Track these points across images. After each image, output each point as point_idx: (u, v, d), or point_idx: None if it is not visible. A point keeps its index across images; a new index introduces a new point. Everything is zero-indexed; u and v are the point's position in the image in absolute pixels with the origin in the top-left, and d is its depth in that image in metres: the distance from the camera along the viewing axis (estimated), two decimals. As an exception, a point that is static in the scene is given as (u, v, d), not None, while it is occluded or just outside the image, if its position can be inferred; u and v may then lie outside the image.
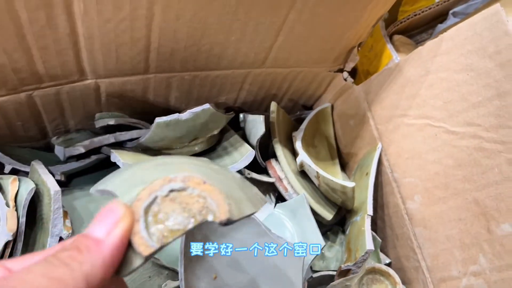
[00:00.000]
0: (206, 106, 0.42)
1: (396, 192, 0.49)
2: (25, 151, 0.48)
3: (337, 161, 0.58)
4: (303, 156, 0.49)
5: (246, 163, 0.47)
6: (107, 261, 0.20)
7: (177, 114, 0.42)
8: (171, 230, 0.22)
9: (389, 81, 0.49)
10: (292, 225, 0.47)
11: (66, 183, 0.46)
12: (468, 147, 0.42)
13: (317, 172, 0.47)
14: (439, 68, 0.44)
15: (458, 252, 0.43)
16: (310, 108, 0.61)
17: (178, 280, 0.42)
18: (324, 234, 0.54)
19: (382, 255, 0.52)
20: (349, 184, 0.45)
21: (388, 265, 0.51)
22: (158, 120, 0.41)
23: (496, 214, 0.40)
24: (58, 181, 0.44)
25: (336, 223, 0.55)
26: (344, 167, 0.59)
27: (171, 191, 0.23)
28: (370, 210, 0.47)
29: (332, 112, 0.58)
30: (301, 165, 0.50)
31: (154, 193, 0.23)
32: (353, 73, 0.60)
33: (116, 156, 0.41)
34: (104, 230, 0.21)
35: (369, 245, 0.44)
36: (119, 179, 0.26)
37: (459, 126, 0.43)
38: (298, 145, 0.51)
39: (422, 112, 0.46)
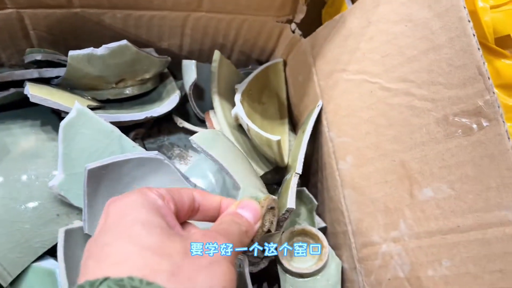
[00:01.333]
0: (123, 42, 0.40)
1: (331, 152, 0.47)
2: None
3: (286, 120, 0.55)
4: (238, 108, 0.47)
5: (170, 107, 0.45)
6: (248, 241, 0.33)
7: (92, 48, 0.40)
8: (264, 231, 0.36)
9: (333, 33, 0.45)
10: (213, 175, 0.45)
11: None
12: (400, 105, 0.39)
13: (247, 125, 0.45)
14: (380, 19, 0.41)
15: (381, 216, 0.41)
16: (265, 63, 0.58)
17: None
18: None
19: (318, 219, 0.50)
20: (274, 137, 0.42)
21: (323, 229, 0.49)
22: (71, 53, 0.40)
23: (420, 178, 0.38)
24: (-24, 112, 0.44)
25: (277, 183, 0.52)
26: (295, 127, 0.56)
27: (271, 208, 0.38)
28: (298, 168, 0.45)
29: (285, 68, 0.55)
30: (236, 118, 0.48)
31: (269, 205, 0.37)
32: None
33: (28, 88, 0.40)
34: (252, 219, 0.33)
35: (290, 203, 0.42)
36: (243, 172, 0.40)
37: (393, 82, 0.40)
38: (237, 97, 0.49)
39: (361, 67, 0.43)
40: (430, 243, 0.37)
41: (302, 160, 0.45)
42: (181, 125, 0.48)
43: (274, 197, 0.39)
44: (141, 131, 0.49)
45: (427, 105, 0.37)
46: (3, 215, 0.39)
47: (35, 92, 0.39)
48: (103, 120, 0.41)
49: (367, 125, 0.42)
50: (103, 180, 0.39)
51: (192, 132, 0.50)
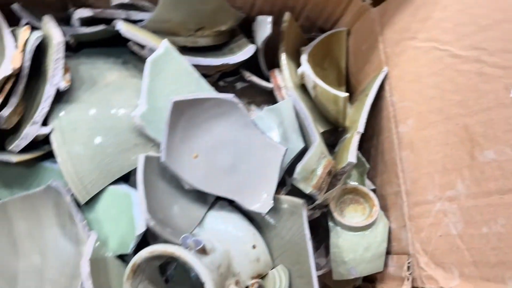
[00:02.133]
0: (213, -12, 0.42)
1: (391, 116, 0.49)
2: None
3: (343, 88, 0.57)
4: (304, 67, 0.50)
5: (245, 57, 0.47)
6: None
7: (182, -8, 0.43)
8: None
9: (405, 2, 0.47)
10: (277, 128, 0.48)
11: (75, 50, 0.49)
12: (470, 71, 0.41)
13: (314, 82, 0.47)
14: (456, -11, 0.43)
15: (438, 176, 0.43)
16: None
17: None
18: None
19: (368, 182, 0.52)
20: (342, 94, 0.45)
21: (372, 191, 0.51)
22: (163, -5, 0.42)
23: (482, 140, 0.40)
24: (68, 45, 0.47)
25: (332, 145, 0.55)
26: (351, 96, 0.58)
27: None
28: (361, 127, 0.47)
29: (348, 38, 0.57)
30: (302, 76, 0.50)
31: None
32: None
33: (121, 25, 0.43)
34: None
35: (352, 157, 0.44)
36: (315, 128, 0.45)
37: (464, 50, 0.42)
38: (304, 57, 0.51)
39: (431, 35, 0.45)
40: (487, 203, 0.39)
41: (365, 120, 0.47)
42: (248, 78, 0.51)
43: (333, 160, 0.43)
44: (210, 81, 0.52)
45: (497, 72, 0.39)
46: (89, 138, 0.43)
47: (127, 28, 0.42)
48: (186, 61, 0.44)
49: (432, 90, 0.44)
50: (184, 113, 0.42)
51: (257, 87, 0.53)
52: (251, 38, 0.54)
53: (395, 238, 0.48)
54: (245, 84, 0.55)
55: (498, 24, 0.39)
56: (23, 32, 0.42)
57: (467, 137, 0.41)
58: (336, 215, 0.48)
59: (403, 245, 0.46)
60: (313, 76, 0.48)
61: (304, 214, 0.43)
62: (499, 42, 0.39)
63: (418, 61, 0.46)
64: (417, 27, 0.46)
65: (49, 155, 0.45)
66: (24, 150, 0.43)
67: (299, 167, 0.41)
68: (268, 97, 0.54)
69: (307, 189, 0.41)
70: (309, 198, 0.45)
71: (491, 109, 0.39)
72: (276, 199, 0.44)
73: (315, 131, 0.43)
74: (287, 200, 0.45)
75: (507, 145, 0.38)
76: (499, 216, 0.38)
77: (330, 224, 0.48)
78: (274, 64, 0.55)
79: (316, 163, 0.42)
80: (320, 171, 0.41)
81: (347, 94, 0.45)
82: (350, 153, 0.45)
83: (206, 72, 0.49)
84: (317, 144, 0.42)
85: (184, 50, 0.50)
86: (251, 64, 0.55)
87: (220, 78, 0.55)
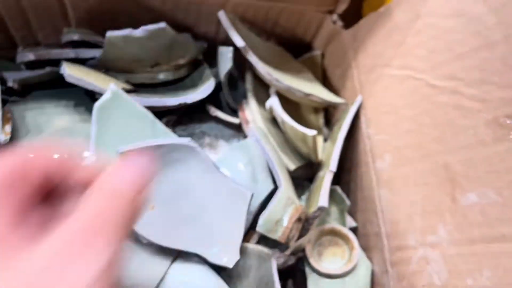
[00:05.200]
0: (162, 24, 0.39)
1: (368, 150, 0.45)
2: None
3: (321, 114, 0.54)
4: (273, 100, 0.46)
5: (204, 94, 0.44)
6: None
7: (130, 29, 0.39)
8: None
9: (377, 26, 0.44)
10: (245, 167, 0.44)
11: (23, 94, 0.45)
12: (447, 104, 0.37)
13: (281, 118, 0.44)
14: (429, 12, 0.39)
15: (419, 219, 0.39)
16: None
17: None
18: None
19: (349, 219, 0.48)
20: (310, 132, 0.41)
21: (354, 229, 0.47)
22: (109, 33, 0.39)
23: (464, 181, 0.36)
24: (11, 89, 0.44)
25: (309, 179, 0.51)
26: (328, 122, 0.54)
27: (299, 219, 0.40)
28: (333, 166, 0.43)
29: (322, 62, 0.54)
30: (271, 110, 0.47)
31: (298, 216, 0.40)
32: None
33: (65, 68, 0.40)
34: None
35: (323, 201, 0.41)
36: (283, 170, 0.43)
37: (440, 80, 0.38)
38: (273, 89, 0.47)
39: (406, 62, 0.41)
40: (471, 251, 0.35)
41: (338, 157, 0.43)
42: (213, 114, 0.47)
43: (302, 205, 0.41)
44: (172, 118, 0.48)
45: (476, 106, 0.35)
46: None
47: (71, 72, 0.39)
48: (137, 104, 0.40)
49: (409, 123, 0.40)
50: (134, 164, 0.39)
51: (224, 122, 0.49)
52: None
53: (378, 283, 0.44)
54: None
55: (474, 52, 0.35)
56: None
57: (447, 176, 0.37)
58: (312, 261, 0.44)
59: (386, 294, 0.42)
60: (280, 112, 0.44)
61: (274, 266, 0.39)
62: (476, 72, 0.35)
63: (393, 91, 0.42)
64: (391, 53, 0.42)
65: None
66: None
67: (261, 219, 0.37)
68: (238, 131, 0.50)
69: (275, 238, 0.38)
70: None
71: (471, 147, 0.35)
72: (244, 249, 0.41)
73: (280, 174, 0.39)
74: (255, 250, 0.41)
75: (490, 188, 0.34)
76: (484, 267, 0.34)
77: (307, 270, 0.44)
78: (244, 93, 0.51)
79: (281, 213, 0.38)
80: (286, 221, 0.38)
81: (315, 133, 0.41)
82: (322, 196, 0.41)
83: (169, 108, 0.45)
84: (282, 191, 0.38)
85: (143, 86, 0.46)
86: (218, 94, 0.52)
87: (186, 110, 0.51)
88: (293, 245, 0.41)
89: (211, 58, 0.52)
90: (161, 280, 0.41)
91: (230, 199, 0.41)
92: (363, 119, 0.45)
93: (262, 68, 0.42)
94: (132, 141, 0.40)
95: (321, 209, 0.40)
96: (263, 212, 0.37)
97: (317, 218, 0.41)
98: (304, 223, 0.42)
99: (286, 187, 0.39)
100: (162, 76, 0.46)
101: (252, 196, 0.41)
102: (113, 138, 0.40)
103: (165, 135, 0.41)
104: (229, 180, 0.41)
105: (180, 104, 0.43)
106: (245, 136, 0.50)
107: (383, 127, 0.43)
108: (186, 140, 0.40)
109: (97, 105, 0.39)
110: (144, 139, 0.40)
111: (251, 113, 0.48)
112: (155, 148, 0.39)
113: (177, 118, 0.49)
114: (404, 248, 0.40)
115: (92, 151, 0.39)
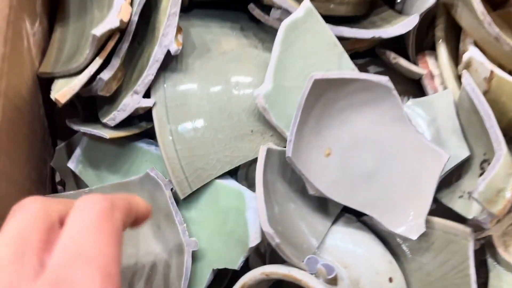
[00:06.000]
0: None
1: None
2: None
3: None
4: (473, 52, 0.38)
5: (404, 29, 0.36)
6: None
7: None
8: None
9: None
10: (427, 127, 0.37)
11: (187, 10, 0.40)
12: None
13: (492, 72, 0.35)
14: None
15: None
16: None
17: (280, 146, 0.34)
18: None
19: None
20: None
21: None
22: None
23: None
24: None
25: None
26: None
27: None
28: None
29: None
30: (468, 64, 0.38)
31: None
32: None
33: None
34: None
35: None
36: None
37: None
38: (468, 40, 0.39)
39: None
40: None
41: None
42: (394, 61, 0.40)
43: None
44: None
45: None
46: (198, 117, 0.34)
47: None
48: (329, 29, 0.34)
49: None
50: (321, 97, 0.32)
51: (401, 73, 0.41)
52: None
53: None
54: (380, 69, 0.44)
55: None
56: (132, -20, 0.34)
57: None
58: (501, 250, 0.36)
59: None
60: (487, 63, 0.36)
61: (471, 248, 0.32)
62: None
63: None
64: None
65: (146, 135, 0.37)
66: (119, 126, 0.35)
67: (482, 185, 0.29)
68: (412, 87, 0.42)
69: (492, 213, 0.30)
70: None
71: None
72: (426, 222, 0.33)
73: (501, 136, 0.31)
74: (442, 225, 0.34)
75: None
76: None
77: (490, 261, 0.37)
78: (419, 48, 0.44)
79: (503, 181, 0.30)
80: (509, 193, 0.30)
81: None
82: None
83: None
84: (505, 155, 0.30)
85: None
86: (384, 45, 0.44)
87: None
88: (493, 225, 0.33)
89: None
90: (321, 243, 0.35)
91: (420, 158, 0.34)
92: None
93: (478, 4, 0.34)
94: (316, 71, 0.34)
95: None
96: (483, 177, 0.30)
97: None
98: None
99: (507, 152, 0.31)
100: (341, 9, 0.39)
101: (448, 159, 0.33)
102: (296, 65, 0.34)
103: (355, 72, 0.34)
104: (422, 136, 0.34)
105: (374, 38, 0.36)
106: (420, 95, 0.42)
107: None
108: (384, 79, 0.33)
109: (286, 22, 0.33)
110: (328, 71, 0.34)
111: (438, 66, 0.40)
112: (348, 82, 0.32)
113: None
114: None
115: (269, 78, 0.33)
